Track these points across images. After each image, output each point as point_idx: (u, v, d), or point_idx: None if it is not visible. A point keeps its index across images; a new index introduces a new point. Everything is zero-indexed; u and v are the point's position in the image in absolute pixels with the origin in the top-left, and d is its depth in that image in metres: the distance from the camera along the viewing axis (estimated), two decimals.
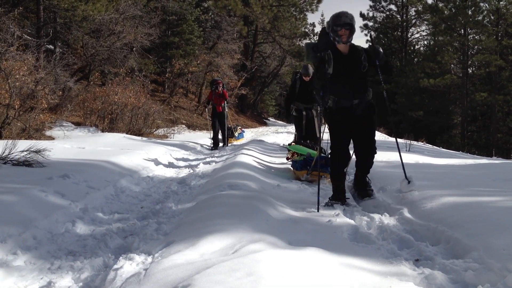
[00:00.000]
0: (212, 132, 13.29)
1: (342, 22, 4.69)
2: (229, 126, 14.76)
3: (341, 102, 4.91)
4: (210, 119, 13.70)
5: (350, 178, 6.29)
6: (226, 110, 13.32)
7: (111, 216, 4.70)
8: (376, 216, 4.33)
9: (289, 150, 8.15)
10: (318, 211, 4.48)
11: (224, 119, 13.18)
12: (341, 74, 4.81)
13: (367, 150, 5.07)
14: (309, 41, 5.88)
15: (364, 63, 4.90)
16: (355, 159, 5.24)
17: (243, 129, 16.02)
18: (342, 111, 4.92)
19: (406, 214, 4.47)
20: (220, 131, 13.27)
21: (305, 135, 8.97)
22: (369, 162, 5.13)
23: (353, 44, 4.97)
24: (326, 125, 5.25)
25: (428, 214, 4.15)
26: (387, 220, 4.31)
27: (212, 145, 13.01)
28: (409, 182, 4.90)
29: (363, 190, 5.21)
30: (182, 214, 4.50)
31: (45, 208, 4.23)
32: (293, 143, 8.41)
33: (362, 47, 5.06)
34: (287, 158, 8.22)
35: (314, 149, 7.61)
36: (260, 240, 3.10)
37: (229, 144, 13.84)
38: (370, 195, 5.10)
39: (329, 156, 5.15)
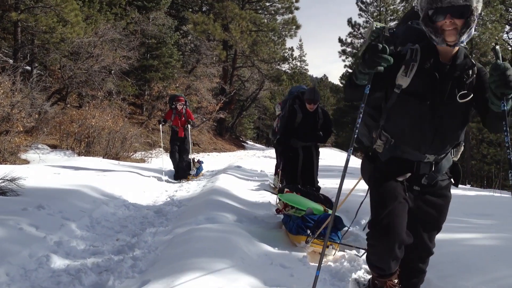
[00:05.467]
0: (172, 162, 11.07)
1: (447, 1, 2.34)
2: (188, 158, 11.56)
3: (402, 151, 2.68)
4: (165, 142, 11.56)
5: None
6: (189, 133, 11.13)
7: (86, 249, 4.65)
8: (352, 252, 4.41)
9: (279, 199, 6.03)
10: None
11: (187, 146, 11.07)
12: (422, 98, 2.55)
13: (419, 257, 2.88)
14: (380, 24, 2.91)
15: (469, 92, 2.51)
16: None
17: (201, 160, 13.21)
18: (400, 167, 2.72)
19: None
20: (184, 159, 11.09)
21: (299, 179, 6.79)
22: (418, 277, 2.94)
23: (464, 50, 2.58)
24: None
25: None
26: (363, 256, 4.39)
27: (174, 177, 10.88)
28: None
29: None
30: (158, 249, 4.48)
31: (19, 242, 4.17)
32: (286, 190, 6.11)
33: (472, 60, 2.58)
34: (277, 211, 5.93)
35: (315, 199, 5.63)
36: (236, 280, 3.13)
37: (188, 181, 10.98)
38: None
39: (369, 237, 2.71)
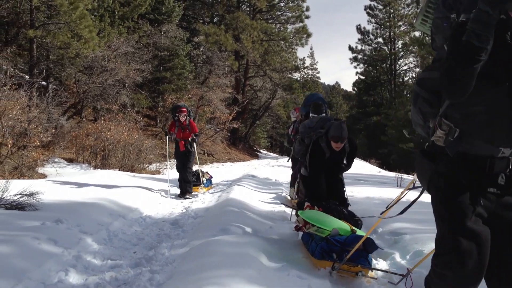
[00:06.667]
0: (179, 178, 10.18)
1: None
2: (195, 170, 10.88)
3: (472, 145, 2.11)
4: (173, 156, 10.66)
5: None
6: (195, 147, 10.25)
7: (104, 263, 4.69)
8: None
9: (298, 216, 5.37)
10: None
11: (188, 160, 10.04)
12: (498, 80, 2.03)
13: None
14: None
15: None
16: None
17: (211, 174, 12.46)
18: (468, 166, 2.13)
19: (398, 259, 4.53)
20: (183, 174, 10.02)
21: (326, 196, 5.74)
22: None
23: None
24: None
25: (419, 260, 4.19)
26: (381, 264, 4.38)
27: (179, 193, 10.04)
28: None
29: None
30: (175, 262, 4.51)
31: (38, 257, 4.23)
32: (306, 205, 5.48)
33: None
34: (297, 228, 5.17)
35: (339, 216, 5.01)
36: None
37: (193, 194, 10.25)
38: None
39: (434, 269, 2.25)
